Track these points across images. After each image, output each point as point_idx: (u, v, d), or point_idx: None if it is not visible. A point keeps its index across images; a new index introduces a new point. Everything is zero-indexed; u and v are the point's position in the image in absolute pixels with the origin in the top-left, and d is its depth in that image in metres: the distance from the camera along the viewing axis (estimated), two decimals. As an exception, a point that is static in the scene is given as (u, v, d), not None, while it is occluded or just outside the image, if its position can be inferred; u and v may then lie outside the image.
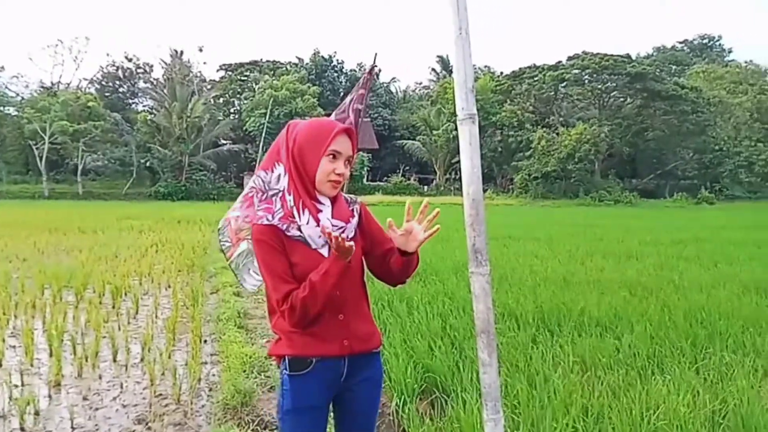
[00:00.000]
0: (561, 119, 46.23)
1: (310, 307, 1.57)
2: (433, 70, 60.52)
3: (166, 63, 47.39)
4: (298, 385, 1.66)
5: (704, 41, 66.60)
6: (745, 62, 54.80)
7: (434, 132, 44.62)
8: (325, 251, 1.65)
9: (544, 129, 43.29)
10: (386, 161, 50.99)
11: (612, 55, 43.29)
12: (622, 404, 2.96)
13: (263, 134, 33.82)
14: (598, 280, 7.10)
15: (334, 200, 1.70)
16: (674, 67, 57.84)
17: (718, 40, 66.65)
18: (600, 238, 13.07)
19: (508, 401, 3.10)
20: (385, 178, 46.94)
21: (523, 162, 43.03)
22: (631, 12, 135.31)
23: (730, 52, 64.96)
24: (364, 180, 43.79)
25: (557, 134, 42.14)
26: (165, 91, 42.91)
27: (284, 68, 50.31)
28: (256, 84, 45.63)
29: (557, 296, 5.90)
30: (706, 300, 5.76)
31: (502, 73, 53.73)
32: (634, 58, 47.59)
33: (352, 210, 1.76)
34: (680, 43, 67.35)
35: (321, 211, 1.65)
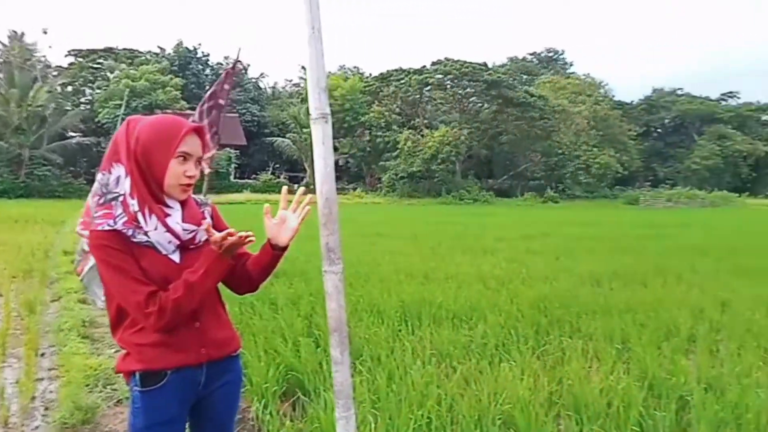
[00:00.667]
0: (425, 121, 48.18)
1: (184, 308, 1.49)
2: (303, 67, 60.07)
3: (3, 45, 42.05)
4: (151, 400, 1.55)
5: (550, 54, 73.09)
6: (584, 75, 61.23)
7: (304, 130, 44.21)
8: (176, 257, 1.57)
9: (410, 130, 44.87)
10: (255, 158, 49.73)
11: (471, 63, 46.01)
12: (472, 392, 3.15)
13: (118, 127, 31.29)
14: (457, 274, 7.50)
15: (183, 203, 1.60)
16: (525, 76, 62.78)
17: (562, 54, 73.53)
18: (459, 235, 13.82)
19: (369, 396, 3.17)
20: (254, 175, 45.70)
21: (391, 162, 44.23)
22: (490, 23, 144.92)
23: (571, 65, 71.99)
24: (231, 177, 42.30)
25: (422, 136, 43.89)
26: (1, 76, 38.02)
27: (143, 57, 47.04)
28: (111, 73, 42.14)
29: (419, 291, 6.14)
30: (549, 290, 6.32)
31: (370, 74, 54.81)
32: (490, 66, 50.95)
33: (204, 212, 1.68)
34: (530, 54, 73.29)
35: (169, 215, 1.54)
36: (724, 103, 63.89)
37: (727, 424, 2.88)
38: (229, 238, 1.48)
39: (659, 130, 64.69)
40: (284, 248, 1.67)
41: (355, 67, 60.11)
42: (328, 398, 3.02)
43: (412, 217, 22.60)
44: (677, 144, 61.40)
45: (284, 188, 1.71)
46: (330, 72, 55.00)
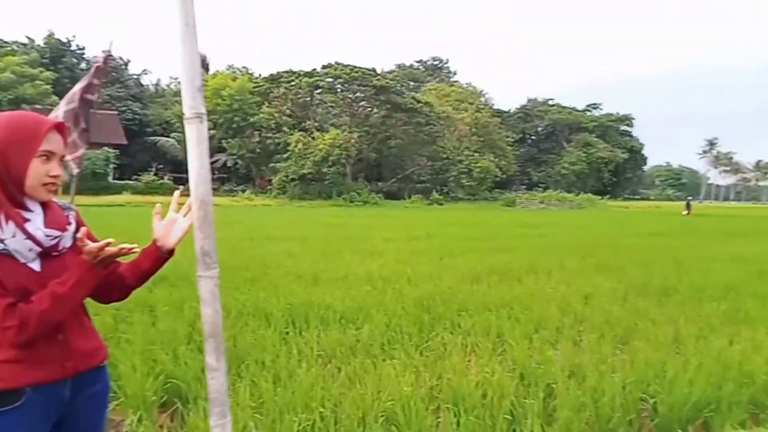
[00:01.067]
0: (316, 124, 48.10)
1: (50, 321, 1.39)
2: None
3: None
4: (8, 421, 1.42)
5: (436, 62, 76.01)
6: (466, 84, 64.42)
7: (188, 129, 42.35)
8: (35, 265, 1.45)
9: (301, 132, 44.58)
10: (137, 158, 46.85)
11: (361, 68, 46.61)
12: (357, 391, 3.20)
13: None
14: (346, 275, 7.57)
15: (45, 207, 1.49)
16: (412, 83, 64.84)
17: (446, 63, 76.77)
18: (349, 237, 13.94)
19: (254, 401, 3.12)
20: (135, 176, 42.97)
21: (281, 163, 43.67)
22: (379, 30, 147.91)
23: (455, 74, 75.43)
24: (110, 178, 39.44)
25: (313, 138, 43.74)
26: None
27: (9, 48, 42.82)
28: (-29, 63, 37.81)
29: (308, 293, 6.14)
30: (432, 288, 6.57)
31: (260, 75, 53.77)
32: (379, 72, 51.96)
33: (68, 216, 1.57)
34: (417, 62, 75.74)
35: (29, 220, 1.43)
36: (589, 113, 70.06)
37: (587, 407, 3.17)
38: (106, 249, 1.40)
39: (533, 137, 69.65)
40: (171, 252, 1.64)
41: (244, 67, 58.68)
42: (208, 406, 2.94)
43: (303, 219, 22.44)
44: (549, 150, 66.52)
45: (176, 192, 1.67)
46: (217, 71, 53.23)
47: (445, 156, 49.94)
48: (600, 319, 5.34)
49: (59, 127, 1.48)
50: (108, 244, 1.40)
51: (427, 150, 49.64)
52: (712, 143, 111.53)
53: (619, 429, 3.07)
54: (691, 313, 5.66)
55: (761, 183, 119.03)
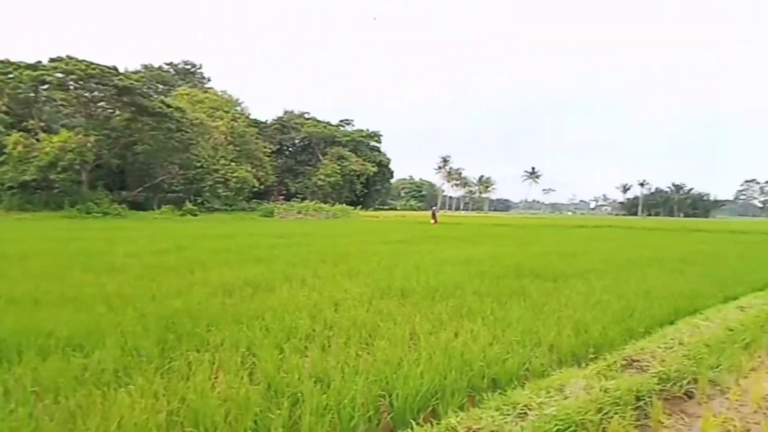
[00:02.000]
0: (42, 124, 41.74)
1: None
2: None
3: None
4: None
5: (188, 67, 72.51)
6: (222, 91, 62.81)
7: None
8: None
9: (22, 133, 38.21)
10: None
11: (99, 65, 41.98)
12: (80, 428, 2.77)
13: None
14: (75, 296, 6.65)
15: None
16: (161, 86, 60.83)
17: (199, 68, 73.78)
18: (83, 252, 12.32)
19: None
20: None
21: (-5, 169, 36.82)
22: (121, 26, 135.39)
23: (209, 80, 73.00)
24: None
25: (37, 140, 37.87)
26: None
27: None
28: None
29: (23, 319, 5.22)
30: (180, 305, 6.12)
31: (-37, 62, 44.55)
32: (122, 71, 47.44)
33: None
34: (167, 64, 71.27)
35: None
36: (342, 128, 74.41)
37: (331, 410, 3.24)
38: None
39: (291, 149, 71.35)
40: None
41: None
42: None
43: (23, 233, 19.17)
44: (306, 162, 68.84)
45: None
46: None
47: (199, 165, 47.92)
48: (348, 323, 5.57)
49: None
50: None
51: (179, 158, 47.02)
52: (445, 160, 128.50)
53: (359, 427, 3.20)
54: (426, 311, 6.27)
55: (483, 195, 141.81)
